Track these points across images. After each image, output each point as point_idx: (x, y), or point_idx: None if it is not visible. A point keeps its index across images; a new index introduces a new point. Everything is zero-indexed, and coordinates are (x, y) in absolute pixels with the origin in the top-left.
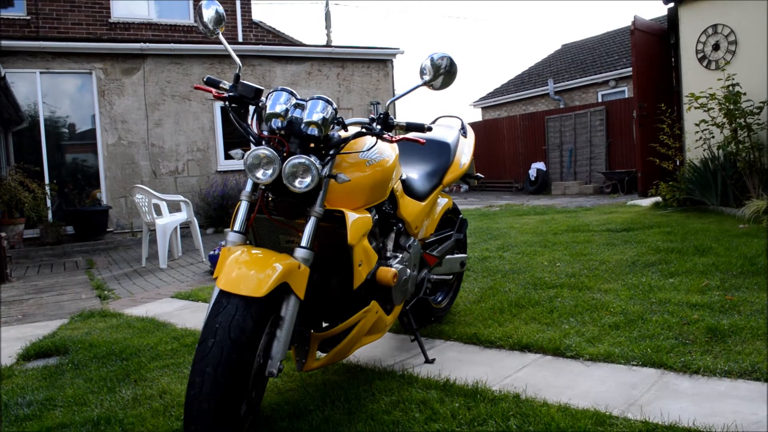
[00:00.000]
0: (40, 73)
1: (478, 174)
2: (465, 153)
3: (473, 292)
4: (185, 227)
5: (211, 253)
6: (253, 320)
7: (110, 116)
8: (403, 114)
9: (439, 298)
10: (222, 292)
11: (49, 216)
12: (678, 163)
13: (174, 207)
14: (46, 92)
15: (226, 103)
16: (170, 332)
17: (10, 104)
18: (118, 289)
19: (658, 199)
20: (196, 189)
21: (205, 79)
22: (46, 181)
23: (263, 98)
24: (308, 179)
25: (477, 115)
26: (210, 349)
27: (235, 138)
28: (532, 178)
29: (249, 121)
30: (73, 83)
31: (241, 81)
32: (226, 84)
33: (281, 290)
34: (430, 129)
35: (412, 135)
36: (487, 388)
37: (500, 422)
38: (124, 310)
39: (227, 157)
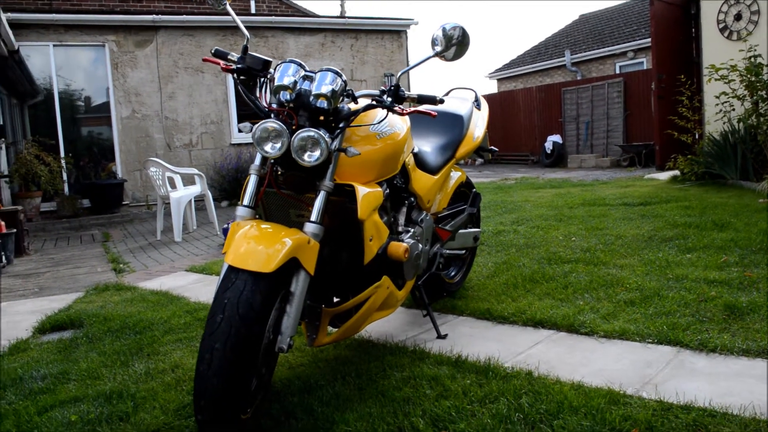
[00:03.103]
0: (54, 46)
1: (492, 147)
2: (479, 126)
3: (487, 266)
4: (200, 200)
5: (225, 226)
6: (261, 296)
7: (124, 89)
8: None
9: (452, 273)
10: (230, 268)
11: (66, 189)
12: (697, 137)
13: (188, 180)
14: (60, 65)
15: (234, 75)
16: (183, 306)
17: (25, 77)
18: (134, 262)
19: (676, 172)
20: (211, 162)
21: (213, 51)
22: (62, 154)
23: (272, 70)
24: (317, 153)
25: (492, 87)
26: (219, 324)
27: (249, 110)
28: (548, 151)
29: (258, 94)
30: (86, 56)
31: (249, 53)
32: (234, 56)
33: (291, 265)
34: (442, 101)
35: (423, 108)
36: (500, 365)
37: (512, 400)
38: (139, 283)
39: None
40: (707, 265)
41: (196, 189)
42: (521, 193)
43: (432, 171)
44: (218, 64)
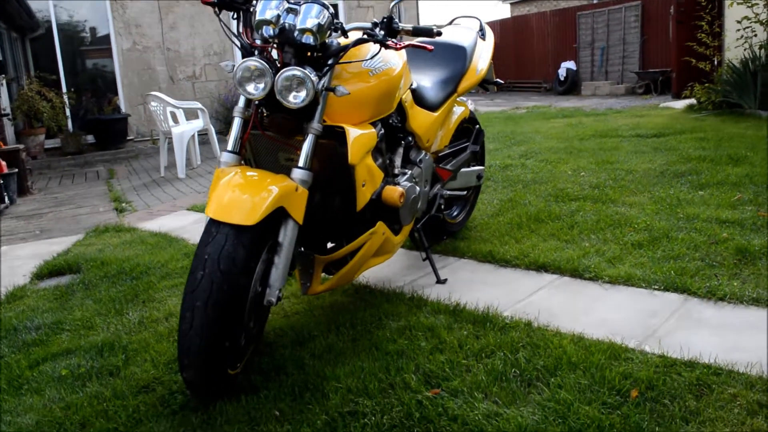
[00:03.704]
0: None
1: (498, 80)
2: (483, 57)
3: (492, 204)
4: (203, 134)
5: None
6: (245, 249)
7: (123, 21)
8: (426, 11)
9: (455, 213)
10: (212, 221)
11: (69, 126)
12: (716, 63)
13: (191, 114)
14: None
15: (215, 9)
16: (182, 248)
17: (23, 9)
18: (136, 200)
19: (693, 101)
20: (215, 94)
21: None
22: (64, 89)
23: (254, 2)
24: (303, 93)
25: (506, 12)
26: (199, 282)
27: None
28: (562, 78)
29: (241, 29)
30: None
31: None
32: None
33: (278, 214)
34: (439, 33)
35: (419, 41)
36: (498, 314)
37: (509, 354)
38: (139, 224)
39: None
40: (720, 203)
41: (198, 123)
42: (531, 123)
43: (432, 107)
44: None
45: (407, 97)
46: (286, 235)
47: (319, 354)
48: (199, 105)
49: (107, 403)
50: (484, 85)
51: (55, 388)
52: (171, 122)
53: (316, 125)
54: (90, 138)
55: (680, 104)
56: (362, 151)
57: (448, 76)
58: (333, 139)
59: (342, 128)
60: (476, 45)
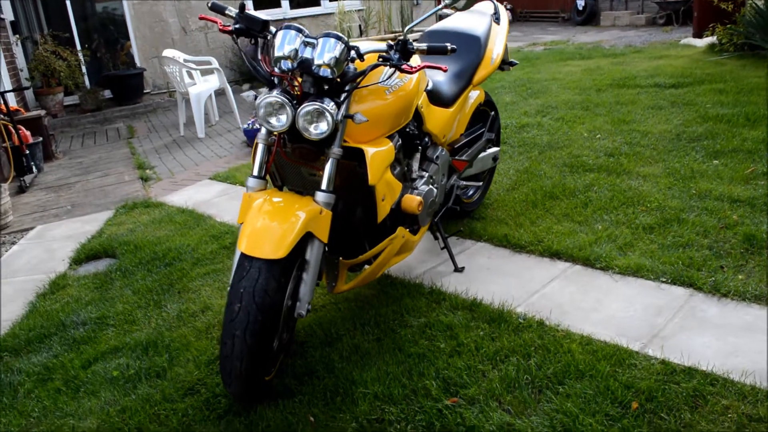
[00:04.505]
0: None
1: (513, 60)
2: (497, 43)
3: (508, 175)
4: (221, 91)
5: (245, 127)
6: (276, 280)
7: None
8: None
9: (470, 192)
10: (244, 255)
11: (86, 82)
12: (739, 1)
13: (207, 69)
14: None
15: (233, 36)
16: (209, 228)
17: None
18: (159, 166)
19: (714, 40)
20: (229, 44)
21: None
22: (78, 47)
23: (272, 29)
24: (323, 125)
25: None
26: (237, 314)
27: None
28: (580, 8)
29: (259, 55)
30: None
31: (246, 12)
32: (232, 11)
33: (305, 236)
34: (454, 50)
35: (434, 62)
36: (513, 311)
37: (521, 359)
38: (166, 197)
39: (256, 7)
40: (733, 176)
41: (215, 83)
42: (549, 67)
43: (447, 103)
44: (216, 22)
45: (422, 100)
46: (313, 254)
47: (347, 356)
48: (214, 63)
49: (158, 407)
50: (500, 67)
51: (109, 390)
52: (187, 79)
53: (336, 150)
54: (107, 93)
55: (701, 43)
56: (381, 170)
57: (463, 69)
58: (353, 158)
59: (361, 149)
60: (491, 31)
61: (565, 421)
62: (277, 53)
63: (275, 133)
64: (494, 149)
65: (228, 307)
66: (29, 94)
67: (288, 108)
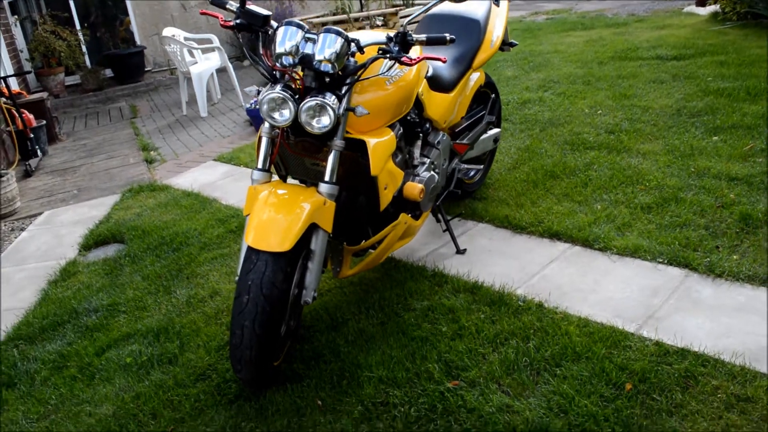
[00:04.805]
0: None
1: (513, 41)
2: (497, 26)
3: (509, 153)
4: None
5: (248, 107)
6: (282, 272)
7: None
8: None
9: (471, 173)
10: (251, 248)
11: (87, 62)
12: None
13: (208, 45)
14: None
15: (235, 31)
16: (215, 212)
17: None
18: (163, 147)
19: (717, 9)
20: None
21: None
22: (77, 26)
23: (273, 23)
24: (325, 120)
25: None
26: (245, 305)
27: None
28: None
29: (261, 50)
30: None
31: (247, 7)
32: (233, 5)
33: (310, 227)
34: (453, 41)
35: (433, 53)
36: (513, 293)
37: (520, 342)
38: (171, 180)
39: None
40: (731, 154)
41: (216, 61)
42: (550, 38)
43: (447, 88)
44: (217, 17)
45: (423, 87)
46: (318, 243)
47: (353, 340)
48: (215, 42)
49: (171, 392)
50: (500, 48)
51: (123, 377)
52: (188, 57)
53: (338, 142)
54: (108, 72)
55: (704, 11)
56: (383, 160)
57: (462, 53)
58: (355, 149)
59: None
60: (490, 14)
61: (561, 402)
62: (279, 49)
63: (278, 127)
64: (495, 130)
65: (237, 298)
66: (30, 75)
67: (290, 103)
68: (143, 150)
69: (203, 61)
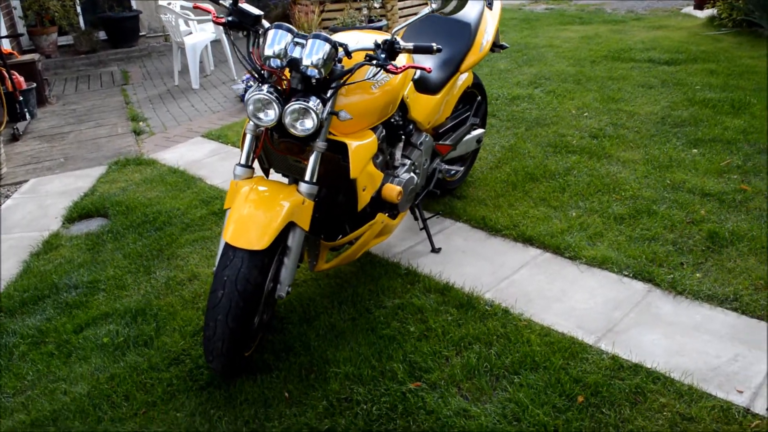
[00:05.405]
0: None
1: (503, 44)
2: (488, 30)
3: (493, 152)
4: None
5: (242, 81)
6: (258, 269)
7: None
8: None
9: (452, 172)
10: (228, 245)
11: (81, 23)
12: None
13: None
14: None
15: (226, 29)
16: (199, 192)
17: None
18: (153, 118)
19: (714, 13)
20: None
21: None
22: None
23: (264, 23)
24: (308, 123)
25: None
26: (220, 300)
27: None
28: None
29: (251, 48)
30: None
31: (240, 5)
32: (227, 1)
33: (287, 224)
34: (439, 50)
35: (418, 63)
36: (481, 297)
37: (483, 347)
38: (158, 154)
39: None
40: (708, 168)
41: (210, 34)
42: (546, 31)
43: (433, 90)
44: (210, 12)
45: (408, 91)
46: (294, 241)
47: (323, 334)
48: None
49: (145, 375)
50: (492, 49)
51: (99, 357)
52: (183, 27)
53: (320, 144)
54: (102, 34)
55: (702, 14)
56: (363, 163)
57: (451, 56)
58: (337, 151)
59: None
60: (482, 18)
61: (515, 410)
62: (267, 52)
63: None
64: (479, 131)
65: (212, 292)
66: (24, 40)
67: (275, 105)
68: (132, 120)
69: (198, 32)
